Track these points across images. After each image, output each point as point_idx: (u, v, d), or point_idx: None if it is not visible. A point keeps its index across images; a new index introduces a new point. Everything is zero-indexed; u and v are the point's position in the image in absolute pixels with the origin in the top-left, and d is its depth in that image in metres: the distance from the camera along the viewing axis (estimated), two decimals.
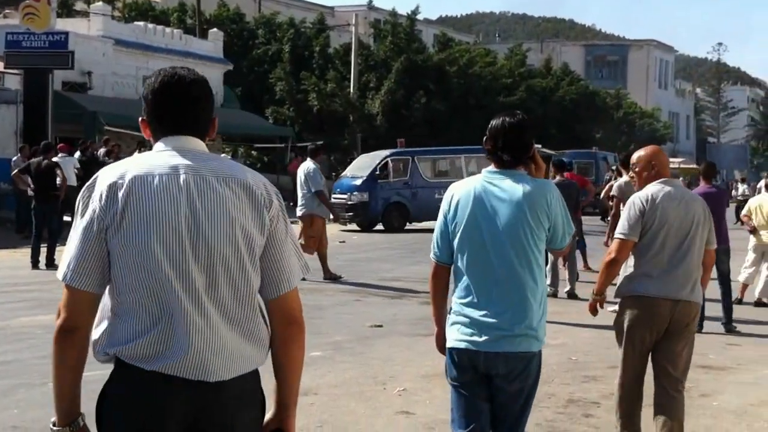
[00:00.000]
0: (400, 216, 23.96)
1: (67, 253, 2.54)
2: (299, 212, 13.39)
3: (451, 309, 4.01)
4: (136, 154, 22.99)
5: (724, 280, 10.47)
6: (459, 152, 25.80)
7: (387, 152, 25.20)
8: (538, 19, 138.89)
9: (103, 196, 2.49)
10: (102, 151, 21.94)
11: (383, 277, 14.05)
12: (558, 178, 13.25)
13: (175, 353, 2.49)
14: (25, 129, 23.03)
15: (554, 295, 12.33)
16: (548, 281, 12.64)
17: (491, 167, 3.93)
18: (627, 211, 5.37)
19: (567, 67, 50.81)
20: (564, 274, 12.62)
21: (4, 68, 23.11)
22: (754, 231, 12.58)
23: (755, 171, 73.53)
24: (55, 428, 2.60)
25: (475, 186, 3.88)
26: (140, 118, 2.70)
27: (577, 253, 13.98)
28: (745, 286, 12.59)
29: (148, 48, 31.65)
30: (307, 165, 13.50)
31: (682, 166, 60.04)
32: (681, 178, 53.21)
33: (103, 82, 29.77)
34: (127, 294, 2.50)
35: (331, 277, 13.31)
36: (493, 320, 3.81)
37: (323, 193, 13.46)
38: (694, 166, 65.26)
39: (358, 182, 23.70)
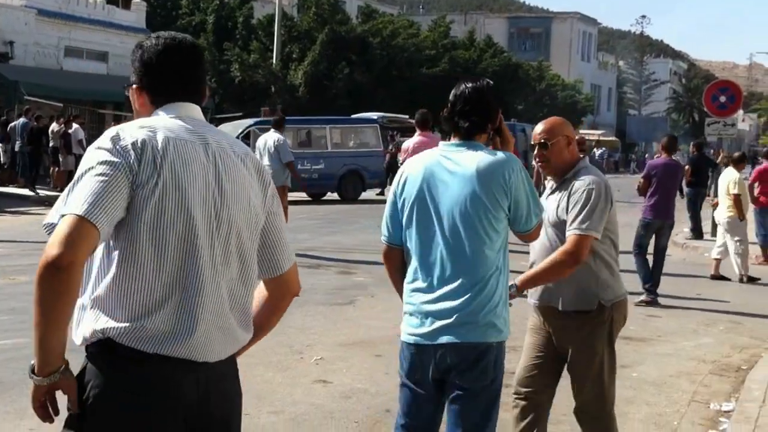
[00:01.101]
0: None
1: (79, 194, 2.24)
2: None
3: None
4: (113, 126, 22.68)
5: (660, 253, 10.40)
6: (322, 122, 25.58)
7: (250, 121, 24.41)
8: None
9: (134, 151, 2.30)
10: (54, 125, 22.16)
11: (299, 248, 13.77)
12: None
13: (183, 333, 2.35)
14: None
15: None
16: None
17: (450, 140, 3.53)
18: (595, 202, 4.07)
19: (490, 39, 50.97)
20: None
21: None
22: (715, 206, 12.66)
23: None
24: (36, 377, 2.28)
25: (427, 160, 3.50)
26: (132, 86, 2.53)
27: None
28: (717, 261, 12.58)
29: (70, 18, 30.78)
30: (276, 136, 13.15)
31: (601, 138, 61.09)
32: (600, 150, 54.28)
33: (24, 52, 29.10)
34: (146, 260, 2.30)
35: None
36: (440, 307, 3.41)
37: (293, 163, 13.08)
38: (614, 138, 66.54)
39: None
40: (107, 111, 30.53)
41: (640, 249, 10.42)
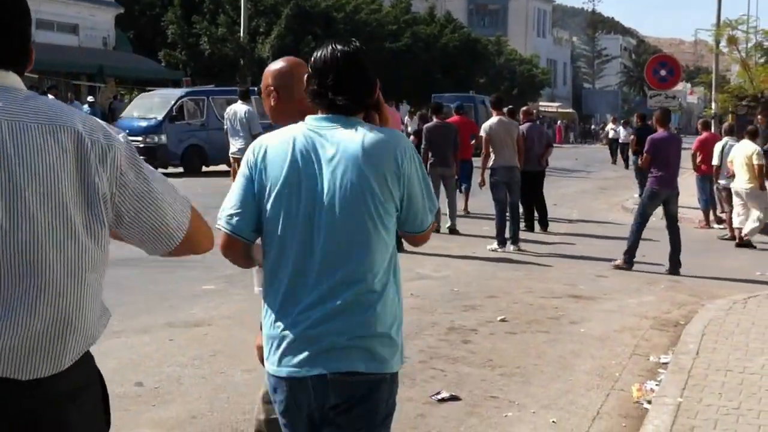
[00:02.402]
0: (198, 158, 22.28)
1: None
2: (237, 154, 13.02)
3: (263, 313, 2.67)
4: None
5: (673, 219, 10.23)
6: (251, 93, 25.25)
7: (180, 91, 23.48)
8: None
9: None
10: None
11: None
12: (435, 120, 13.25)
13: None
14: None
15: (437, 230, 12.44)
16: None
17: (318, 114, 2.65)
18: None
19: (450, 15, 50.92)
20: (444, 209, 12.72)
21: None
22: (733, 176, 12.73)
23: (626, 115, 75.75)
24: None
25: (294, 137, 2.59)
26: None
27: (458, 193, 14.14)
28: (739, 230, 12.59)
29: None
30: (245, 107, 13.11)
31: (560, 110, 61.48)
32: (559, 122, 54.56)
33: None
34: None
35: None
36: (317, 329, 2.50)
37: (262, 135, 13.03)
38: (571, 110, 66.94)
39: (153, 123, 21.71)
40: (82, 82, 30.18)
41: (642, 218, 10.19)
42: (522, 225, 12.96)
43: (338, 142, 2.56)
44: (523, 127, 13.21)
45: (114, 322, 7.14)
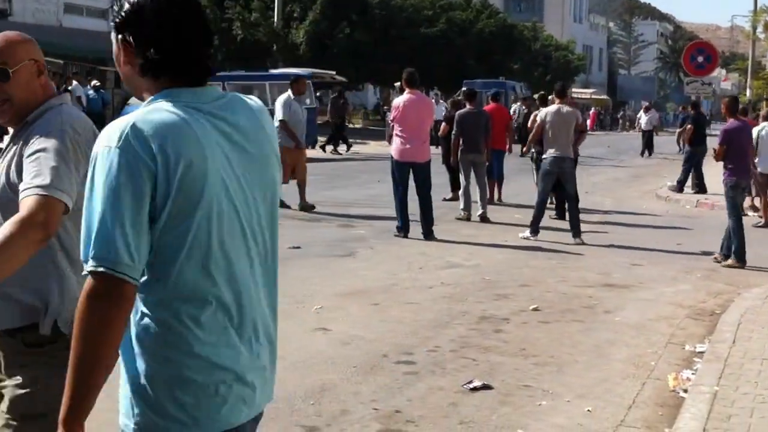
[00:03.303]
0: None
1: None
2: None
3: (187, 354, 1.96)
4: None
5: (738, 213, 9.79)
6: (265, 78, 24.44)
7: None
8: None
9: None
10: None
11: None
12: (468, 107, 13.11)
13: None
14: None
15: (467, 218, 12.37)
16: (461, 205, 12.62)
17: (179, 89, 1.99)
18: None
19: (486, 1, 50.50)
20: (475, 196, 12.62)
21: None
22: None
23: (662, 101, 74.84)
24: None
25: (196, 124, 1.94)
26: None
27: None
28: None
29: None
30: (282, 96, 13.06)
31: (594, 96, 60.84)
32: (593, 109, 54.04)
33: (23, 8, 28.65)
34: None
35: (303, 207, 12.78)
36: (260, 364, 2.09)
37: (284, 123, 12.65)
38: (605, 97, 66.19)
39: None
40: (109, 68, 30.28)
41: (737, 213, 9.64)
42: (553, 213, 12.84)
43: (243, 128, 2.05)
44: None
45: None
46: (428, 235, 10.63)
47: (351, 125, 29.82)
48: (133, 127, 1.88)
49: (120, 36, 2.04)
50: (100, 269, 1.85)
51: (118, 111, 23.36)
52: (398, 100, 11.04)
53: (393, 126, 11.07)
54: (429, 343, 6.19)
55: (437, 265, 9.19)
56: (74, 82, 22.84)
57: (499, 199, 14.79)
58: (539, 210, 11.01)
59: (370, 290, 7.91)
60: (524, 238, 10.88)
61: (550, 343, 6.32)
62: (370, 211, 13.13)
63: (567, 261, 9.60)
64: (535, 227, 10.97)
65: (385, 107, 30.63)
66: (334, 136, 26.13)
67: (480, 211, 12.50)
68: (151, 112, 1.93)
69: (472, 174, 12.62)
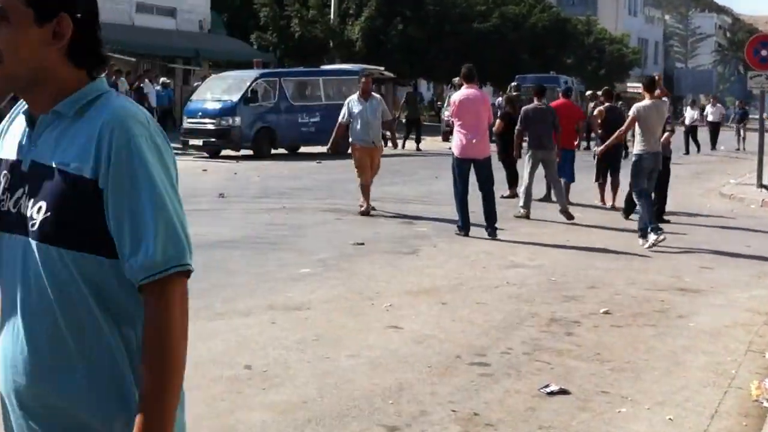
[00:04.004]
0: (268, 141, 21.83)
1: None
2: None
3: None
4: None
5: None
6: (318, 74, 24.24)
7: (255, 73, 23.04)
8: None
9: None
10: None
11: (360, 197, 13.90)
12: (536, 103, 13.05)
13: None
14: None
15: (527, 216, 12.26)
16: (521, 202, 12.45)
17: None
18: None
19: None
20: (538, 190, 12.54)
21: None
22: None
23: (721, 95, 73.54)
24: None
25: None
26: None
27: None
28: None
29: None
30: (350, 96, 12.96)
31: None
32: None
33: (99, 8, 29.05)
34: None
35: (363, 211, 12.24)
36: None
37: (339, 124, 12.67)
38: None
39: (228, 105, 21.14)
40: (177, 65, 30.73)
41: None
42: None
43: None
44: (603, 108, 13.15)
45: (217, 304, 7.30)
46: (492, 233, 10.57)
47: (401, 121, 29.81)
48: (145, 113, 1.84)
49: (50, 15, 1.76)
50: (187, 268, 1.77)
51: (183, 107, 23.66)
52: (456, 96, 10.97)
53: (452, 122, 11.03)
54: (501, 345, 6.18)
55: (501, 264, 9.15)
56: (146, 80, 23.23)
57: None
58: (647, 211, 10.27)
59: (437, 289, 7.91)
60: (648, 247, 10.09)
61: (625, 348, 6.26)
62: (429, 208, 13.13)
63: (634, 263, 9.48)
64: (650, 228, 10.15)
65: (439, 103, 30.56)
66: (410, 132, 25.98)
67: (560, 207, 12.20)
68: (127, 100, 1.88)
69: (540, 171, 12.49)
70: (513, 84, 20.30)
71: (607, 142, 11.86)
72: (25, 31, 1.76)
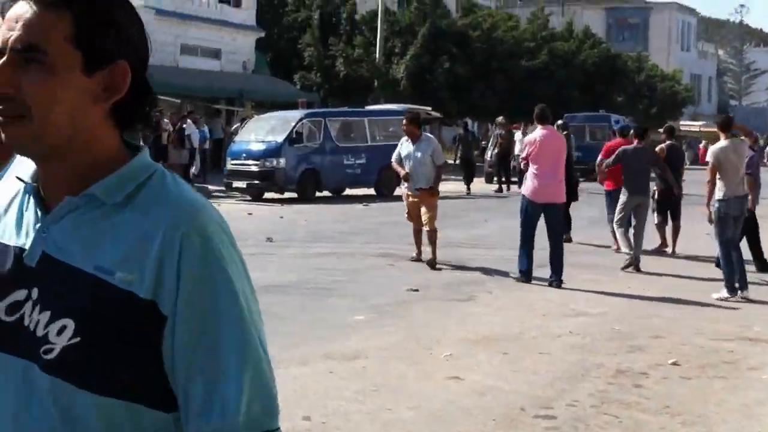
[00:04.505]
0: (313, 183, 21.85)
1: None
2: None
3: None
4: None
5: None
6: (363, 114, 24.22)
7: (299, 113, 23.19)
8: None
9: None
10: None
11: (411, 241, 13.95)
12: (635, 144, 12.39)
13: None
14: None
15: (636, 265, 11.61)
16: (625, 249, 11.82)
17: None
18: None
19: (588, 30, 50.15)
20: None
21: None
22: None
23: None
24: None
25: None
26: None
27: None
28: None
29: (186, 17, 31.65)
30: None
31: (703, 129, 59.42)
32: (703, 142, 52.96)
33: None
34: None
35: (415, 257, 12.01)
36: None
37: (391, 164, 12.40)
38: (715, 129, 64.55)
39: (272, 146, 21.23)
40: (221, 106, 31.30)
41: None
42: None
43: None
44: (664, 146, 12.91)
45: (272, 351, 7.39)
46: (558, 283, 10.34)
47: (454, 162, 29.76)
48: (213, 207, 1.41)
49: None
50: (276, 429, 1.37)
51: (226, 148, 23.98)
52: (532, 136, 10.77)
53: (524, 164, 10.77)
54: (567, 397, 6.16)
55: (561, 312, 9.13)
56: (188, 121, 23.67)
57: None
58: (729, 263, 9.83)
59: (496, 337, 7.91)
60: (721, 299, 9.79)
61: (695, 400, 6.21)
62: (482, 252, 13.15)
63: (699, 311, 9.38)
64: (731, 284, 9.82)
65: (483, 143, 30.60)
66: (467, 173, 25.69)
67: (631, 259, 11.73)
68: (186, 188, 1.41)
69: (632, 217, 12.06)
70: (559, 122, 20.29)
71: (666, 182, 11.86)
72: (68, 81, 1.31)
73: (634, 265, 11.68)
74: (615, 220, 12.29)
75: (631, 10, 78.24)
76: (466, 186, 25.20)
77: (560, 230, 10.63)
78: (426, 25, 37.04)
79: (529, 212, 10.52)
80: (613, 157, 12.41)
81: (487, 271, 11.40)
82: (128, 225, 1.32)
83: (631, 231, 12.06)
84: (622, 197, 12.13)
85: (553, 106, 41.07)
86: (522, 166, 11.13)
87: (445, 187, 23.42)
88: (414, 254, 12.07)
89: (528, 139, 10.98)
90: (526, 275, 10.54)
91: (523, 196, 10.71)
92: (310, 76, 36.81)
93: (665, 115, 51.06)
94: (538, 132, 10.74)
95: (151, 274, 1.29)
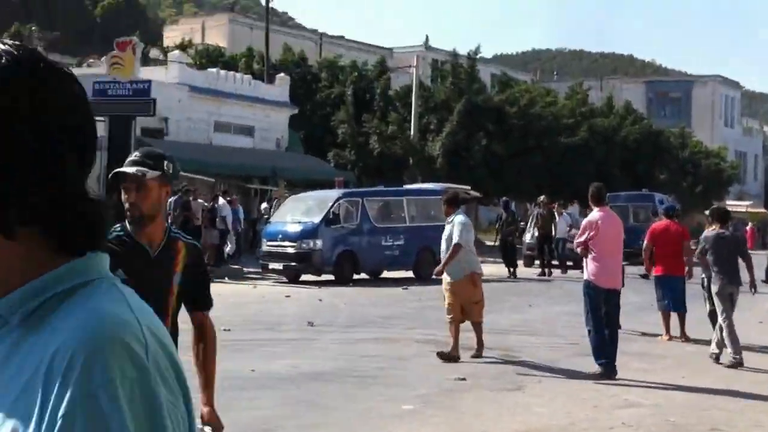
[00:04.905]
0: (350, 265, 22.02)
1: None
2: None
3: None
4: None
5: None
6: (403, 194, 24.54)
7: (336, 193, 23.66)
8: (595, 54, 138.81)
9: None
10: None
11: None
12: (718, 230, 11.97)
13: None
14: (107, 175, 23.60)
15: (742, 363, 11.27)
16: (731, 349, 11.36)
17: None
18: None
19: (630, 106, 50.57)
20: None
21: None
22: None
23: None
24: None
25: None
26: None
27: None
28: None
29: (220, 94, 32.63)
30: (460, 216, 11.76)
31: (750, 209, 59.04)
32: (750, 224, 52.71)
33: (177, 128, 30.77)
34: None
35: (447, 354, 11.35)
36: None
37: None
38: (762, 210, 64.14)
39: (309, 227, 21.56)
40: (253, 186, 31.87)
41: None
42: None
43: None
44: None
45: None
46: (612, 370, 10.31)
47: (493, 243, 29.73)
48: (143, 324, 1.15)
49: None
50: None
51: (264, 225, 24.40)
52: (592, 219, 10.71)
53: (582, 248, 10.66)
54: None
55: (613, 403, 9.22)
56: (220, 200, 24.16)
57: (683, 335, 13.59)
58: None
59: (547, 429, 8.04)
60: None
61: None
62: (528, 338, 13.28)
63: (758, 403, 9.43)
64: None
65: (522, 223, 30.69)
66: (508, 258, 25.33)
67: (732, 358, 11.33)
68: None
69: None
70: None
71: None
72: None
73: (740, 364, 11.26)
74: (722, 317, 11.50)
75: (672, 84, 78.85)
76: (507, 269, 25.05)
77: (617, 318, 10.71)
78: (462, 101, 37.55)
79: (593, 297, 10.53)
80: (699, 246, 11.95)
81: (535, 359, 11.53)
82: (30, 353, 1.10)
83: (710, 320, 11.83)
84: (714, 287, 11.65)
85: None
86: (580, 251, 10.97)
87: (487, 269, 23.52)
88: (448, 350, 11.29)
89: (587, 222, 10.88)
90: (608, 368, 10.22)
91: (587, 281, 10.69)
92: (344, 154, 37.40)
93: (710, 194, 51.00)
94: (596, 214, 10.73)
95: (35, 419, 1.05)
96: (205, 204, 23.68)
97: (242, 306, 15.97)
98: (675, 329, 13.67)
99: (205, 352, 3.99)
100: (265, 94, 34.91)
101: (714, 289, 11.64)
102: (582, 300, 10.89)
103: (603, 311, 10.44)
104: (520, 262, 27.36)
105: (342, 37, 64.95)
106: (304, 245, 21.41)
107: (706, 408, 9.11)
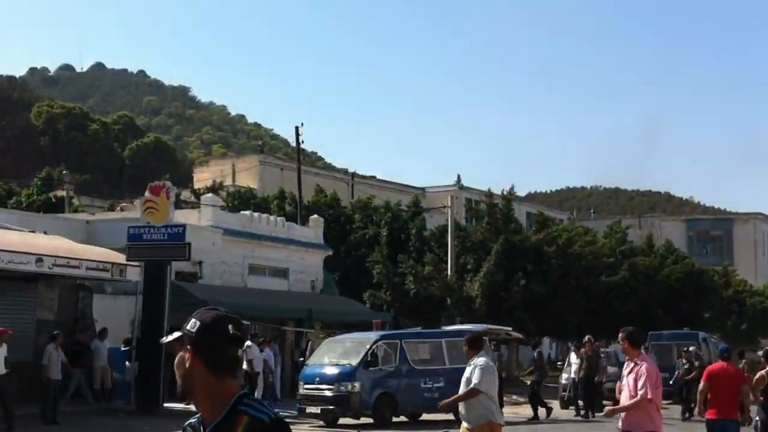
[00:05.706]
0: (389, 408, 22.04)
1: None
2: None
3: None
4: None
5: None
6: (442, 336, 24.66)
7: (374, 335, 23.97)
8: (631, 192, 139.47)
9: None
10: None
11: None
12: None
13: None
14: (143, 319, 24.04)
15: None
16: None
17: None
18: None
19: (671, 245, 50.79)
20: None
21: (126, 260, 24.07)
22: None
23: None
24: None
25: None
26: None
27: None
28: None
29: (253, 236, 33.15)
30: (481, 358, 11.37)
31: None
32: None
33: (212, 271, 31.13)
34: None
35: None
36: None
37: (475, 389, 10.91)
38: None
39: (347, 370, 21.75)
40: (288, 328, 32.05)
41: None
42: None
43: None
44: None
45: None
46: None
47: (528, 383, 29.55)
48: None
49: None
50: None
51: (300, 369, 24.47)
52: (642, 369, 10.30)
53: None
54: None
55: None
56: (250, 344, 24.41)
57: None
58: None
59: None
60: None
61: None
62: None
63: None
64: None
65: (559, 363, 30.54)
66: (536, 398, 25.13)
67: None
68: None
69: None
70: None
71: None
72: None
73: None
74: None
75: (713, 222, 79.19)
76: (533, 411, 24.64)
77: None
78: (499, 240, 37.89)
79: None
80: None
81: None
82: None
83: None
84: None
85: (636, 324, 40.62)
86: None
87: (509, 410, 23.01)
88: None
89: (644, 370, 10.34)
90: None
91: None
92: (380, 294, 37.61)
93: (757, 332, 50.50)
94: (645, 361, 10.71)
95: None
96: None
97: None
98: None
99: None
100: (299, 236, 35.51)
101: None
102: None
103: None
104: (555, 403, 27.03)
105: (374, 177, 66.28)
106: (342, 388, 21.47)
107: None
